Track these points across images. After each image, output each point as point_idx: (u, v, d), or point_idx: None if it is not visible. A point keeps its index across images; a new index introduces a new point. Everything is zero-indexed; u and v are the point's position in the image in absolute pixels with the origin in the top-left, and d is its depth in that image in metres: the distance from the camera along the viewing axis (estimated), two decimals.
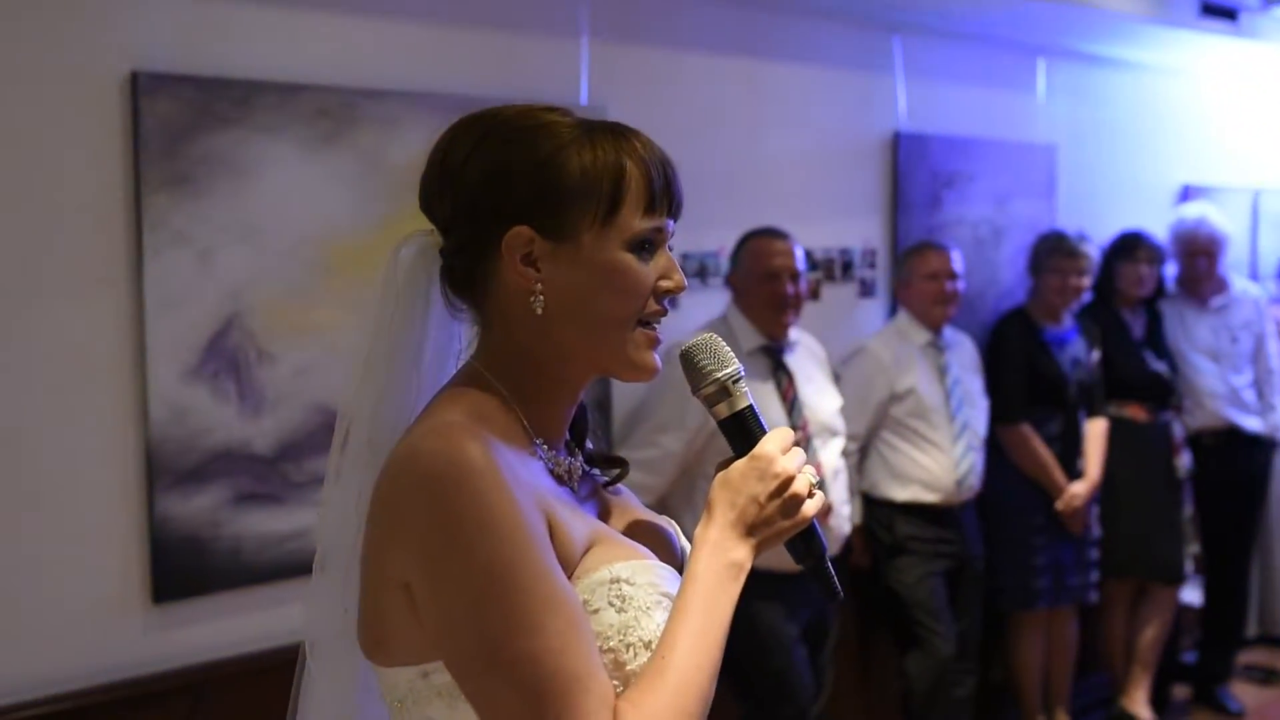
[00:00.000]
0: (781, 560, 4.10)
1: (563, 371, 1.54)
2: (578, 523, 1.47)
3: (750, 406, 1.57)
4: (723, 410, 1.57)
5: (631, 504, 1.69)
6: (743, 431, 1.56)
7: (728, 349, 1.58)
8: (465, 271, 1.52)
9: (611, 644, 1.41)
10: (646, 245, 1.50)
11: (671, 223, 1.54)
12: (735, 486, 1.51)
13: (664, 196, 1.51)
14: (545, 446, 1.54)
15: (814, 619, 4.00)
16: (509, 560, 1.34)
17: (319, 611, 1.60)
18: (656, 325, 1.54)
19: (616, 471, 1.67)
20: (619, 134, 1.51)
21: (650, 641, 1.43)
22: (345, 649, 1.56)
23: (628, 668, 1.41)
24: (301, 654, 1.63)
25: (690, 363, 1.57)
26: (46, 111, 2.85)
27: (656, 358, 1.55)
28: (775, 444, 1.53)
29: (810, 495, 1.54)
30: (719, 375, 1.55)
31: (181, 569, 3.06)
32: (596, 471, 1.67)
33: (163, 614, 3.06)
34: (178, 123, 3.00)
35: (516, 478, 1.40)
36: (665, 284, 1.52)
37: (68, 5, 2.88)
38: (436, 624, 1.38)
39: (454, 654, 1.37)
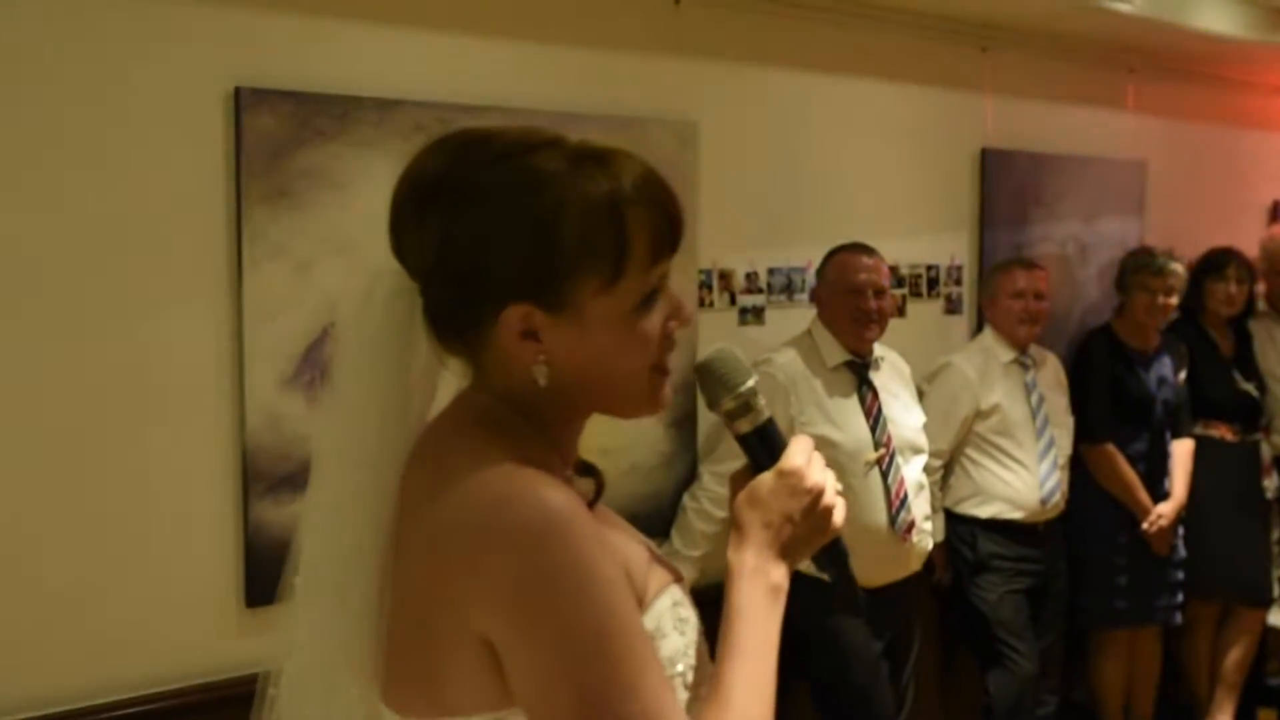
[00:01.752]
0: (864, 577, 4.09)
1: (570, 413, 1.46)
2: (633, 553, 1.44)
3: (771, 419, 1.52)
4: (744, 426, 1.51)
5: (625, 522, 1.58)
6: (766, 445, 1.51)
7: (744, 361, 1.52)
8: (454, 332, 1.41)
9: (679, 667, 1.41)
10: (654, 294, 1.40)
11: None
12: (766, 504, 1.47)
13: (669, 240, 1.40)
14: (573, 476, 1.48)
15: (896, 636, 3.99)
16: (608, 622, 1.27)
17: (299, 640, 1.49)
18: (667, 363, 1.45)
19: (594, 481, 1.54)
20: (609, 171, 1.37)
21: (706, 662, 1.44)
22: (333, 684, 1.46)
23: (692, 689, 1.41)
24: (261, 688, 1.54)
25: (709, 376, 1.50)
26: (153, 126, 2.92)
27: (668, 392, 1.46)
28: (802, 456, 1.48)
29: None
30: (741, 389, 1.49)
31: (274, 574, 3.07)
32: None
33: (255, 618, 3.10)
34: (278, 137, 3.06)
35: (595, 523, 1.34)
36: (674, 324, 1.44)
37: (173, 24, 2.94)
38: (528, 683, 1.30)
39: (545, 713, 1.29)
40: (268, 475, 3.09)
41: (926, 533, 4.02)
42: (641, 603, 1.38)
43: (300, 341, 3.12)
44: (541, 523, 1.27)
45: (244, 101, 3.01)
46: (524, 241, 1.34)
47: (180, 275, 2.98)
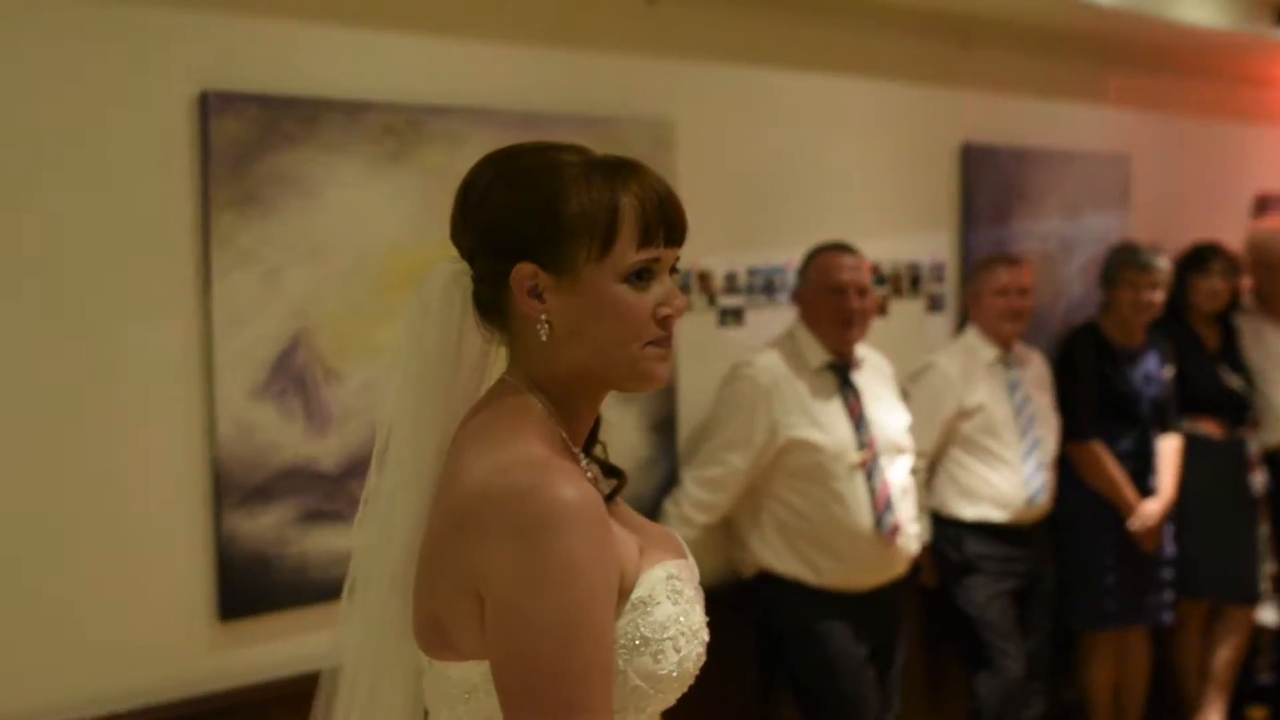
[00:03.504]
0: (849, 581, 4.07)
1: (581, 388, 1.67)
2: (627, 535, 1.62)
3: None
4: None
5: (630, 510, 1.78)
6: None
7: None
8: (488, 300, 1.66)
9: (670, 632, 1.57)
10: (643, 275, 1.62)
11: (674, 251, 1.66)
12: None
13: (658, 228, 1.62)
14: (584, 459, 1.67)
15: (882, 639, 3.95)
16: (576, 617, 1.47)
17: (362, 631, 1.72)
18: (665, 344, 1.65)
19: (616, 483, 1.75)
20: (619, 171, 1.62)
21: (697, 629, 1.61)
22: (397, 659, 1.70)
23: (682, 651, 1.58)
24: (326, 682, 1.75)
25: None
26: (118, 132, 2.87)
27: (666, 369, 1.66)
28: None
29: None
30: None
31: (248, 587, 3.06)
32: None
33: (229, 631, 3.06)
34: (245, 142, 3.00)
35: (606, 522, 1.53)
36: (664, 310, 1.63)
37: (138, 27, 2.89)
38: (494, 643, 1.51)
39: (500, 673, 1.51)
40: (240, 486, 3.03)
41: (912, 535, 3.98)
42: (628, 592, 1.57)
43: (271, 349, 3.07)
44: (551, 516, 1.48)
45: (210, 106, 2.95)
46: (535, 212, 1.60)
47: (147, 283, 2.93)
